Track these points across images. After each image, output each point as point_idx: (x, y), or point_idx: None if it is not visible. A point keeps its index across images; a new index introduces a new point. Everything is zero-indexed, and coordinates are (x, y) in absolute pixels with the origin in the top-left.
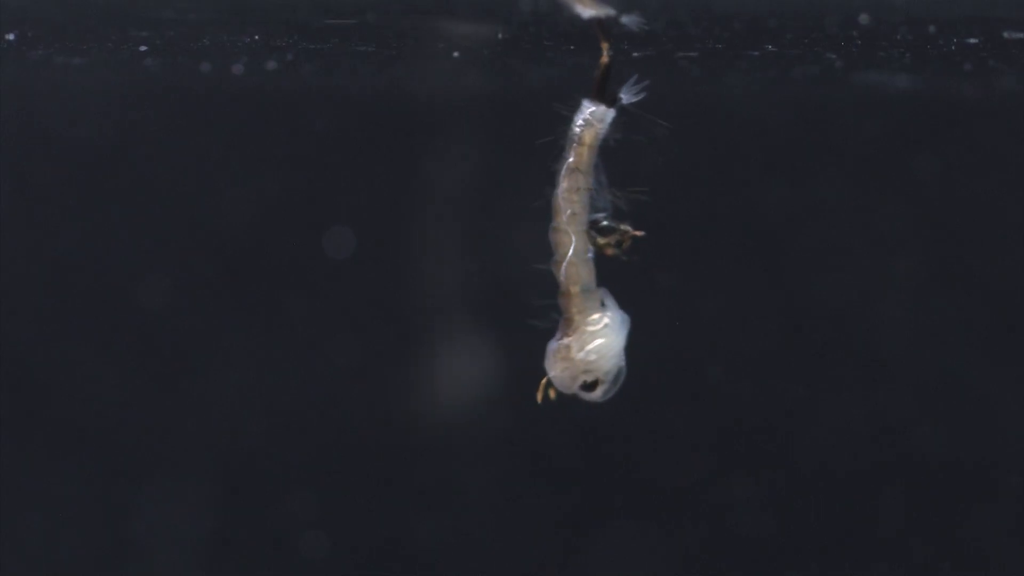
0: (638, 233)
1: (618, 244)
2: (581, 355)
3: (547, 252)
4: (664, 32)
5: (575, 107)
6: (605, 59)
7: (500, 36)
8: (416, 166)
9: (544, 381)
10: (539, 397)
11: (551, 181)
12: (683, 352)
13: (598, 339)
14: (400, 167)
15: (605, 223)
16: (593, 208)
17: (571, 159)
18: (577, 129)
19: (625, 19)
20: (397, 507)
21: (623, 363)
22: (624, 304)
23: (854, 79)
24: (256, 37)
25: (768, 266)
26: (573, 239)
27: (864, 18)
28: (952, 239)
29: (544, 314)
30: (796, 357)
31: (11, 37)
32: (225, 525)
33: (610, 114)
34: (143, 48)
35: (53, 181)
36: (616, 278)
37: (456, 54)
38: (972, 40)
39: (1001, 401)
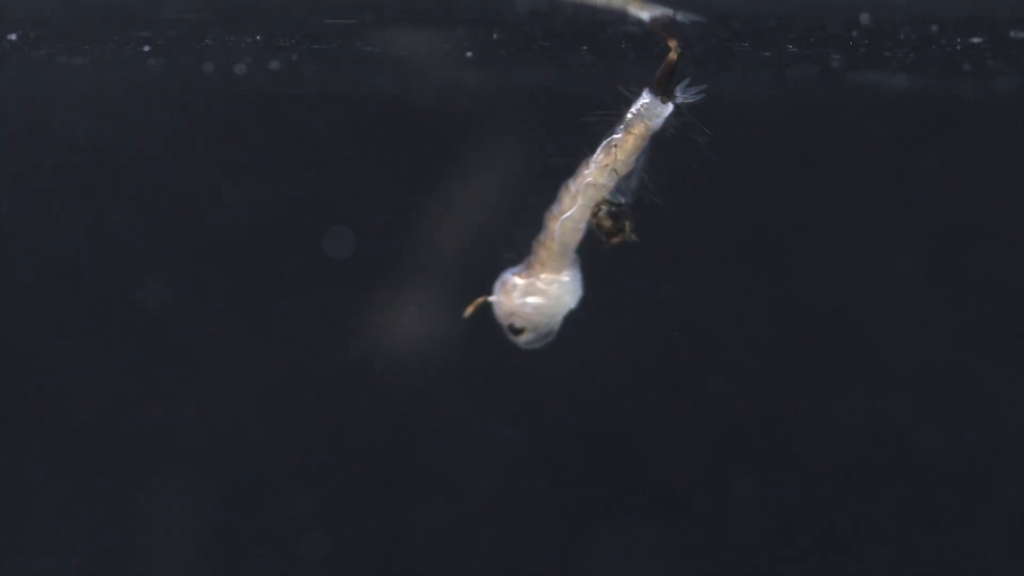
0: (633, 237)
1: (610, 234)
2: (519, 301)
3: (551, 201)
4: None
5: (636, 92)
6: (674, 56)
7: (495, 36)
8: (416, 166)
9: (480, 300)
10: (467, 311)
11: (593, 146)
12: (682, 353)
13: (541, 297)
14: (400, 167)
15: (616, 209)
16: (619, 190)
17: (617, 138)
18: (630, 116)
19: (681, 16)
20: (397, 507)
21: (557, 326)
22: (624, 305)
23: (854, 79)
24: (258, 37)
25: (766, 267)
26: (576, 206)
27: (865, 18)
28: (952, 239)
29: (519, 248)
30: (795, 357)
31: (13, 37)
32: (225, 525)
33: (666, 111)
34: (146, 48)
35: (55, 181)
36: (615, 281)
37: (456, 54)
38: (975, 40)
39: (1001, 401)
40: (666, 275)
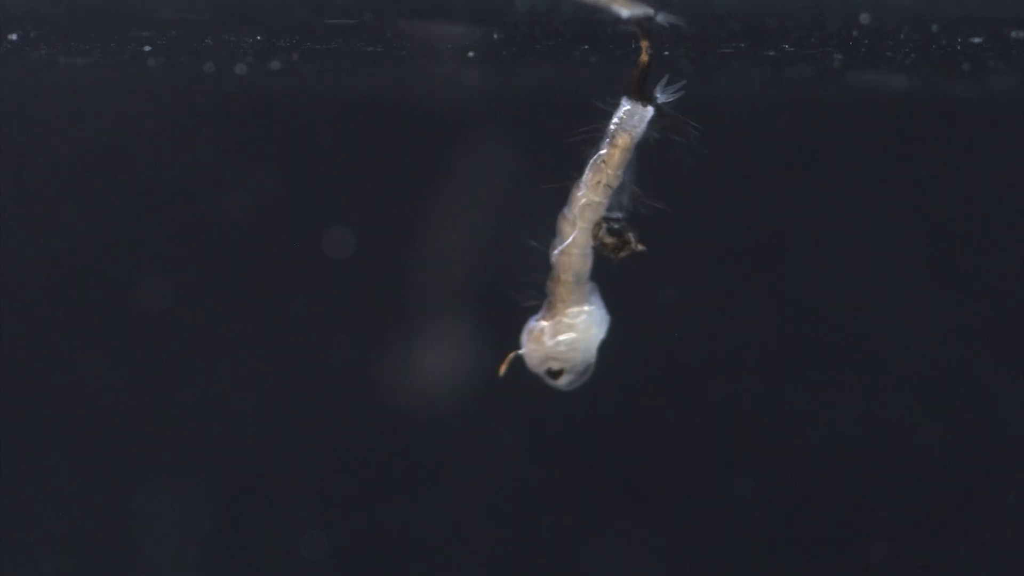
0: (640, 247)
1: (616, 249)
2: (551, 343)
3: (551, 237)
4: (661, 31)
5: (614, 103)
6: (645, 58)
7: (495, 36)
8: (416, 166)
9: (511, 356)
10: (502, 369)
11: (580, 168)
12: (682, 353)
13: (572, 332)
14: (400, 167)
15: (617, 225)
16: (613, 205)
17: (603, 153)
18: (613, 127)
19: (660, 17)
20: (396, 507)
21: (593, 359)
22: (624, 302)
23: (853, 79)
24: (258, 37)
25: (766, 267)
26: (576, 231)
27: (865, 18)
28: (952, 239)
29: (532, 292)
30: (795, 358)
31: (14, 37)
32: (225, 525)
33: (647, 114)
34: (147, 48)
35: (55, 181)
36: (615, 279)
37: (455, 54)
38: (976, 39)
39: (1001, 401)
40: (666, 278)
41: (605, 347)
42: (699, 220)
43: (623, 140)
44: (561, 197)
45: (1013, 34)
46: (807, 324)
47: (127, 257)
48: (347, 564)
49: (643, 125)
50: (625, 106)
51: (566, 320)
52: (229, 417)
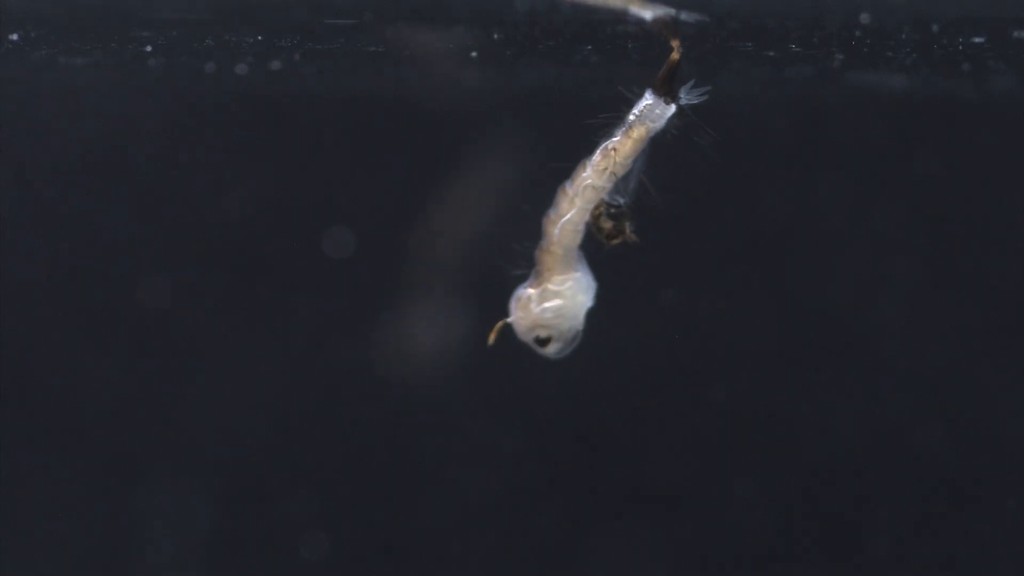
0: (633, 238)
1: (610, 236)
2: (538, 310)
3: (547, 205)
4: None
5: (638, 93)
6: (676, 56)
7: (496, 36)
8: (416, 166)
9: (500, 324)
10: (491, 338)
11: (591, 149)
12: (682, 353)
13: (558, 299)
14: (400, 167)
15: (615, 211)
16: (617, 190)
17: (616, 140)
18: (631, 118)
19: (684, 15)
20: (396, 507)
21: (581, 326)
22: (624, 303)
23: (853, 79)
24: (259, 37)
25: (766, 267)
26: (575, 209)
27: (865, 18)
28: (952, 239)
29: (521, 260)
30: (795, 358)
31: (14, 37)
32: (225, 525)
33: (668, 111)
34: (147, 48)
35: (56, 181)
36: (614, 279)
37: (457, 54)
38: (976, 39)
39: (1001, 401)
40: (666, 277)
41: (606, 342)
42: (699, 220)
43: (639, 132)
44: (565, 175)
45: (1014, 34)
46: (807, 324)
47: (127, 257)
48: (347, 564)
49: (661, 121)
50: (647, 99)
51: (552, 287)
52: (229, 417)
